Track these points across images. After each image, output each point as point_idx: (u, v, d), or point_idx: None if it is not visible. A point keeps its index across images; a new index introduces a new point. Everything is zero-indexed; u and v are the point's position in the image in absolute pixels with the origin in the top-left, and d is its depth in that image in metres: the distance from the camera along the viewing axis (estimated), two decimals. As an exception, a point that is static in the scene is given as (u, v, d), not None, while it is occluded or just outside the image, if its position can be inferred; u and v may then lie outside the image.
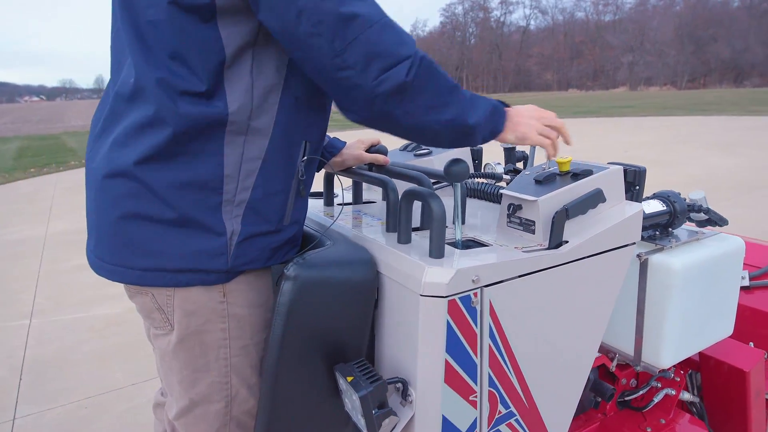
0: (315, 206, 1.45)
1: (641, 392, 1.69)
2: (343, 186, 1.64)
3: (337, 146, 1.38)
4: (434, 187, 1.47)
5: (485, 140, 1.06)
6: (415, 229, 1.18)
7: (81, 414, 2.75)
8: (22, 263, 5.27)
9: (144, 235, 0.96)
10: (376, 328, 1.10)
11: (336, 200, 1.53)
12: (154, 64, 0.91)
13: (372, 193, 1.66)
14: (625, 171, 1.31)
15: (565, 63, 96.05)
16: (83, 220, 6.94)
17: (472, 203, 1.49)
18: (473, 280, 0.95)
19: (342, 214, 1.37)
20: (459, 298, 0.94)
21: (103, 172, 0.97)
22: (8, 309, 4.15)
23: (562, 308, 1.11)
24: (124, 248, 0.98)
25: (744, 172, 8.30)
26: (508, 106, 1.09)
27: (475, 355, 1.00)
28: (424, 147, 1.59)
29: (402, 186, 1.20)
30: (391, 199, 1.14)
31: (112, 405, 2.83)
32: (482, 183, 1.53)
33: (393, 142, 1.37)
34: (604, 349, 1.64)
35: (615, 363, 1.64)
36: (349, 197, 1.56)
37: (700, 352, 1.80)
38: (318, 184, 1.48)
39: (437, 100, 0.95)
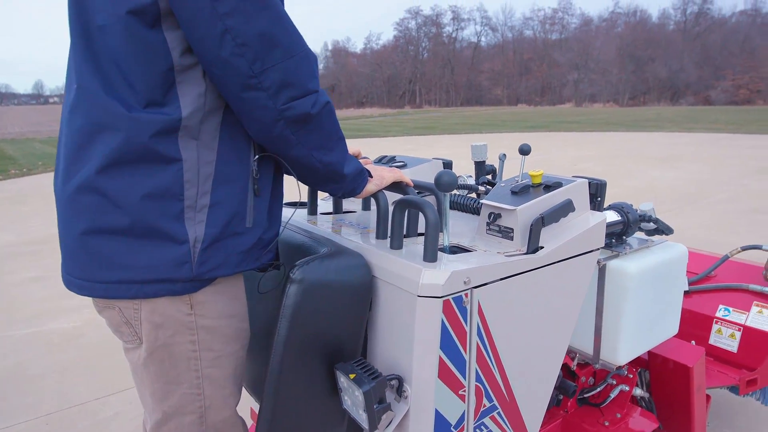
0: (298, 216, 1.53)
1: (599, 389, 1.84)
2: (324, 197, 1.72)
3: None
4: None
5: (344, 194, 1.17)
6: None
7: (43, 430, 2.67)
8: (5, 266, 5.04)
9: (108, 248, 0.97)
10: (369, 329, 1.19)
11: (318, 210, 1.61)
12: (100, 70, 0.93)
13: (349, 203, 1.74)
14: (588, 183, 1.45)
15: (515, 79, 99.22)
16: (31, 231, 6.69)
17: (453, 214, 1.60)
18: (465, 282, 1.05)
19: (331, 223, 1.45)
20: (452, 298, 1.04)
21: (65, 187, 0.99)
22: None
23: (538, 308, 1.23)
24: (90, 262, 0.98)
25: (683, 184, 8.84)
26: (370, 174, 1.22)
27: (465, 351, 1.10)
28: (399, 160, 1.69)
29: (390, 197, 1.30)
30: (383, 208, 1.23)
31: (74, 421, 2.76)
32: (457, 195, 1.64)
33: (368, 155, 1.44)
34: (566, 350, 1.78)
35: (576, 362, 1.78)
36: (328, 207, 1.64)
37: (648, 351, 1.97)
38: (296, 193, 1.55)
39: (327, 142, 1.05)
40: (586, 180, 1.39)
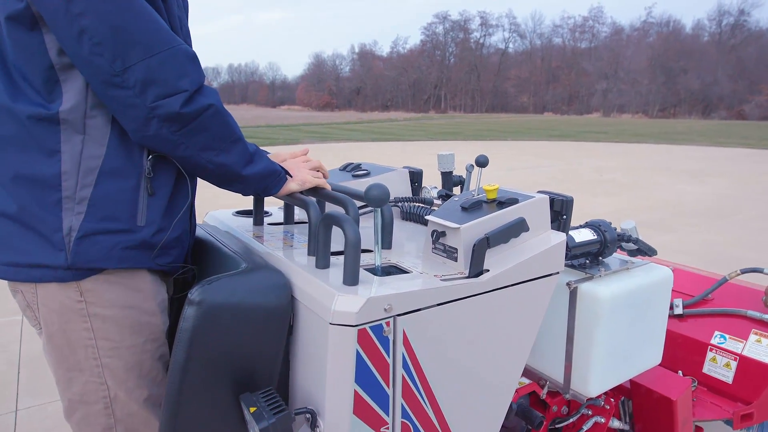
0: (243, 226, 1.44)
1: (571, 420, 1.71)
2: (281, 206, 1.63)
3: None
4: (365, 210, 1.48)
5: (258, 193, 1.18)
6: (339, 253, 1.18)
7: None
8: None
9: (4, 231, 1.01)
10: (290, 355, 1.09)
11: (268, 219, 1.52)
12: (4, 67, 0.99)
13: (303, 213, 1.65)
14: (552, 200, 1.34)
15: (542, 87, 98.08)
16: None
17: (410, 227, 1.50)
18: (385, 309, 0.95)
19: (271, 234, 1.36)
20: (370, 327, 0.94)
21: None
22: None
23: (481, 337, 1.12)
24: None
25: (711, 199, 8.58)
26: (288, 173, 1.22)
27: (387, 385, 0.99)
28: (363, 168, 1.60)
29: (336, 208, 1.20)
30: (313, 222, 1.14)
31: None
32: (419, 206, 1.54)
33: (331, 162, 1.38)
34: (536, 376, 1.66)
35: (545, 390, 1.66)
36: (281, 216, 1.55)
37: (631, 380, 1.83)
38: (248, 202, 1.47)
39: (216, 144, 1.04)
40: (548, 196, 1.28)
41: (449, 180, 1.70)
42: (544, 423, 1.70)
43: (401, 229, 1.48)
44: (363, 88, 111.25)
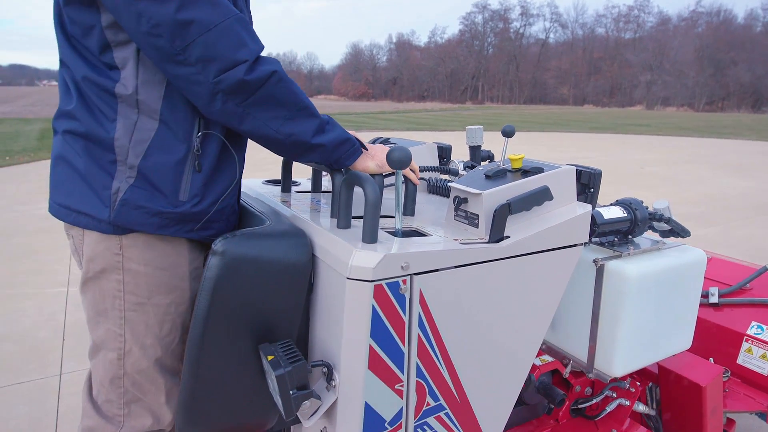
0: (271, 192, 1.46)
1: (595, 401, 1.68)
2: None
3: None
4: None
5: (330, 164, 1.16)
6: (361, 218, 1.19)
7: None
8: (54, 236, 5.37)
9: (63, 175, 1.09)
10: (310, 312, 1.11)
11: (296, 188, 1.54)
12: (66, 41, 1.06)
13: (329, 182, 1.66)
14: (579, 172, 1.31)
15: (582, 78, 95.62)
16: None
17: (436, 200, 1.50)
18: (402, 267, 0.95)
19: (298, 200, 1.38)
20: (386, 283, 0.95)
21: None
22: (45, 277, 4.28)
23: (499, 304, 1.11)
24: (54, 185, 1.12)
25: (757, 194, 8.26)
26: (364, 146, 1.20)
27: (403, 343, 1.00)
28: (392, 142, 1.60)
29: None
30: (336, 185, 1.14)
31: None
32: (445, 180, 1.53)
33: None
34: (559, 355, 1.64)
35: (569, 369, 1.63)
36: (308, 187, 1.57)
37: (659, 365, 1.79)
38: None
39: (285, 112, 1.04)
40: (574, 167, 1.25)
41: (477, 154, 1.69)
42: (567, 403, 1.68)
43: (427, 201, 1.47)
44: (399, 78, 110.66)
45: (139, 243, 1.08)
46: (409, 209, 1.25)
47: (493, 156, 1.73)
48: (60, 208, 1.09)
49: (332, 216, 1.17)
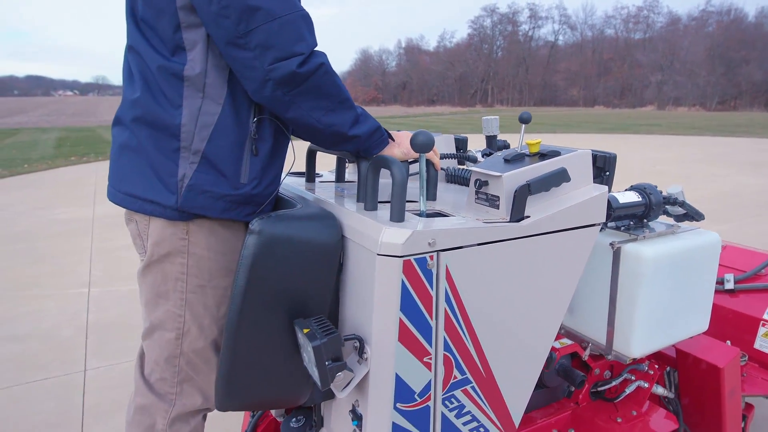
0: (296, 182, 1.52)
1: (614, 383, 1.72)
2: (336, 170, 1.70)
3: None
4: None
5: (363, 152, 1.22)
6: (386, 203, 1.24)
7: None
8: (74, 240, 5.53)
9: (128, 164, 1.13)
10: (340, 291, 1.16)
11: (319, 179, 1.60)
12: (136, 27, 1.11)
13: (351, 174, 1.72)
14: (595, 156, 1.36)
15: (593, 79, 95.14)
16: None
17: (454, 188, 1.55)
18: (429, 243, 1.00)
19: (323, 189, 1.44)
20: (414, 259, 1.00)
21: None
22: (67, 279, 4.41)
23: (521, 281, 1.15)
24: (118, 174, 1.17)
25: (772, 191, 8.23)
26: (391, 136, 1.27)
27: (431, 317, 1.05)
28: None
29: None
30: (362, 170, 1.20)
31: None
32: (462, 169, 1.58)
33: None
34: (578, 338, 1.68)
35: (588, 352, 1.67)
36: (330, 178, 1.63)
37: (676, 349, 1.82)
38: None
39: (326, 103, 1.10)
40: (590, 151, 1.30)
41: (493, 143, 1.74)
42: (587, 386, 1.71)
43: (446, 190, 1.52)
44: (409, 83, 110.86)
45: (204, 229, 1.14)
46: (431, 194, 1.30)
47: (509, 145, 1.78)
48: (125, 197, 1.15)
49: (358, 200, 1.23)
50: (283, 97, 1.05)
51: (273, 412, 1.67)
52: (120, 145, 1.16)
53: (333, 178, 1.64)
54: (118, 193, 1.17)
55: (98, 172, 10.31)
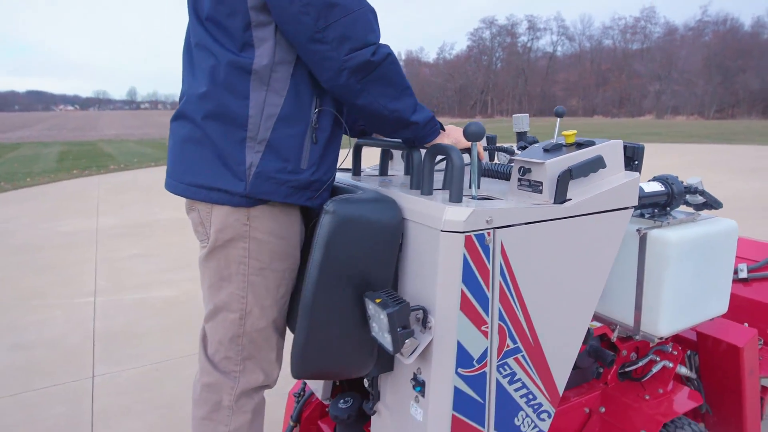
0: (343, 177, 1.64)
1: (640, 363, 1.83)
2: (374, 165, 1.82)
3: None
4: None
5: (418, 139, 1.33)
6: (437, 190, 1.36)
7: (154, 375, 3.05)
8: (79, 251, 5.65)
9: (193, 156, 1.22)
10: (399, 269, 1.28)
11: (363, 174, 1.72)
12: (201, 25, 1.20)
13: (392, 170, 1.84)
14: (624, 146, 1.48)
15: (591, 90, 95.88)
16: (131, 216, 7.44)
17: (487, 182, 1.67)
18: (487, 221, 1.12)
19: (371, 181, 1.56)
20: (474, 235, 1.12)
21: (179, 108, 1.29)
22: (72, 288, 4.51)
23: (565, 259, 1.27)
24: (181, 166, 1.25)
25: (770, 195, 8.35)
26: (442, 126, 1.38)
27: (488, 289, 1.16)
28: None
29: None
30: (415, 158, 1.32)
31: (181, 369, 3.11)
32: (496, 164, 1.71)
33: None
34: (606, 321, 1.79)
35: (616, 334, 1.78)
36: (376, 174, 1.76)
37: (697, 332, 1.93)
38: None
39: (392, 91, 1.21)
40: (621, 141, 1.42)
41: (525, 138, 1.86)
42: (615, 367, 1.82)
43: (483, 182, 1.64)
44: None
45: (264, 214, 1.24)
46: (479, 181, 1.42)
47: (538, 141, 1.91)
48: (189, 188, 1.24)
49: (411, 188, 1.35)
50: (356, 84, 1.16)
51: (320, 394, 1.77)
52: (182, 139, 1.25)
53: (375, 173, 1.76)
54: (181, 185, 1.26)
55: (100, 185, 10.49)
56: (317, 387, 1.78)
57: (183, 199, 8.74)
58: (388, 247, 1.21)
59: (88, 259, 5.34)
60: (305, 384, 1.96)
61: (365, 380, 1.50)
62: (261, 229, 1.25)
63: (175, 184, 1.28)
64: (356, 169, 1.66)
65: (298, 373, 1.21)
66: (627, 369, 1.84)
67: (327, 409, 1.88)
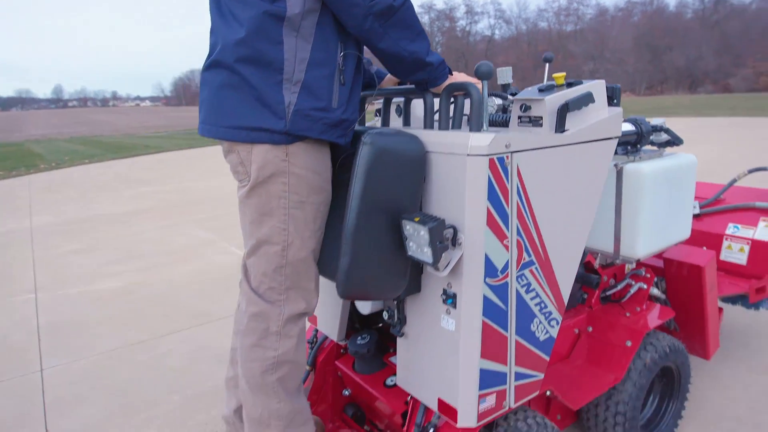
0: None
1: (619, 287, 2.07)
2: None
3: (382, 75, 1.74)
4: None
5: (431, 81, 1.45)
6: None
7: (107, 363, 3.02)
8: (14, 250, 5.47)
9: (231, 101, 1.32)
10: (424, 199, 1.43)
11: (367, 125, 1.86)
12: None
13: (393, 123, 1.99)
14: (606, 87, 1.68)
15: (530, 71, 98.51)
16: (67, 213, 7.21)
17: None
18: (506, 146, 1.29)
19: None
20: (496, 157, 1.29)
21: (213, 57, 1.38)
22: (10, 287, 4.37)
23: (567, 181, 1.46)
24: (220, 111, 1.34)
25: (699, 163, 8.96)
26: (450, 71, 1.51)
27: (507, 205, 1.34)
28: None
29: None
30: (428, 101, 1.48)
31: (135, 355, 3.10)
32: (497, 114, 1.88)
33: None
34: (589, 251, 2.01)
35: (598, 261, 2.01)
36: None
37: (664, 258, 2.19)
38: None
39: (409, 33, 1.35)
40: (603, 81, 1.62)
41: (508, 90, 2.04)
42: (597, 291, 2.05)
43: None
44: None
45: (301, 150, 1.36)
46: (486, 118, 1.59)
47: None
48: (230, 130, 1.34)
49: (425, 128, 1.50)
50: (379, 28, 1.30)
51: (335, 337, 1.91)
52: (219, 86, 1.34)
53: (378, 125, 1.90)
54: (221, 128, 1.35)
55: (31, 185, 10.12)
56: (331, 330, 1.91)
57: (127, 192, 8.45)
58: (416, 177, 1.36)
59: (26, 258, 5.16)
60: (317, 331, 2.09)
61: (385, 314, 1.65)
62: (298, 164, 1.36)
63: (214, 129, 1.37)
64: (362, 121, 1.80)
65: (343, 293, 1.35)
66: (608, 293, 2.08)
67: (342, 350, 2.02)
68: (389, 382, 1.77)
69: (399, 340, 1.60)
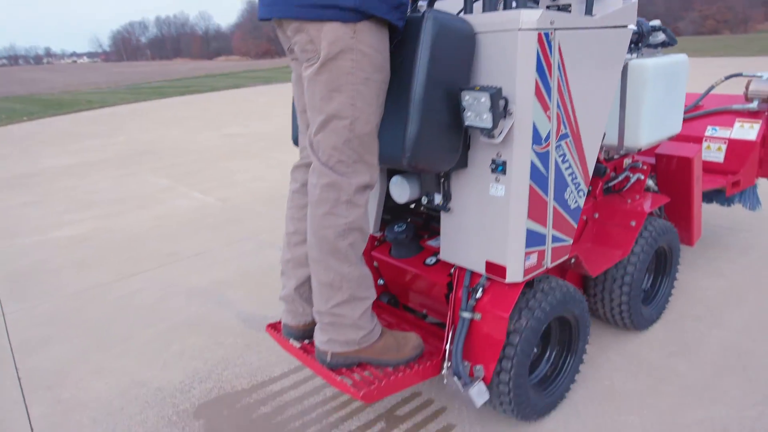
0: None
1: (620, 178, 2.28)
2: None
3: None
4: None
5: None
6: None
7: (75, 305, 3.01)
8: None
9: None
10: (472, 79, 1.56)
11: None
12: None
13: None
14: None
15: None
16: (13, 169, 6.94)
17: None
18: (551, 22, 1.43)
19: None
20: (543, 32, 1.42)
21: None
22: None
23: (596, 62, 1.62)
24: None
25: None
26: None
27: (550, 77, 1.48)
28: None
29: None
30: None
31: (103, 296, 3.09)
32: None
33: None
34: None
35: (602, 154, 2.21)
36: None
37: (656, 154, 2.42)
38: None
39: None
40: (618, -21, 1.78)
41: None
42: (600, 183, 2.26)
43: None
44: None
45: (366, 29, 1.43)
46: None
47: None
48: (301, 9, 1.41)
49: (466, 12, 1.62)
50: None
51: (369, 229, 2.04)
52: None
53: None
54: (292, 8, 1.43)
55: None
56: (363, 227, 2.05)
57: (73, 146, 8.15)
58: (468, 53, 1.49)
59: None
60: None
61: (424, 198, 1.79)
62: (365, 42, 1.45)
63: (285, 9, 1.44)
64: None
65: (409, 160, 1.47)
66: (610, 184, 2.29)
67: (377, 242, 2.16)
68: (429, 261, 1.93)
69: (443, 216, 1.75)
